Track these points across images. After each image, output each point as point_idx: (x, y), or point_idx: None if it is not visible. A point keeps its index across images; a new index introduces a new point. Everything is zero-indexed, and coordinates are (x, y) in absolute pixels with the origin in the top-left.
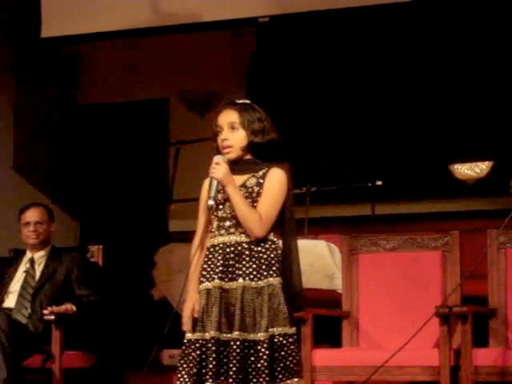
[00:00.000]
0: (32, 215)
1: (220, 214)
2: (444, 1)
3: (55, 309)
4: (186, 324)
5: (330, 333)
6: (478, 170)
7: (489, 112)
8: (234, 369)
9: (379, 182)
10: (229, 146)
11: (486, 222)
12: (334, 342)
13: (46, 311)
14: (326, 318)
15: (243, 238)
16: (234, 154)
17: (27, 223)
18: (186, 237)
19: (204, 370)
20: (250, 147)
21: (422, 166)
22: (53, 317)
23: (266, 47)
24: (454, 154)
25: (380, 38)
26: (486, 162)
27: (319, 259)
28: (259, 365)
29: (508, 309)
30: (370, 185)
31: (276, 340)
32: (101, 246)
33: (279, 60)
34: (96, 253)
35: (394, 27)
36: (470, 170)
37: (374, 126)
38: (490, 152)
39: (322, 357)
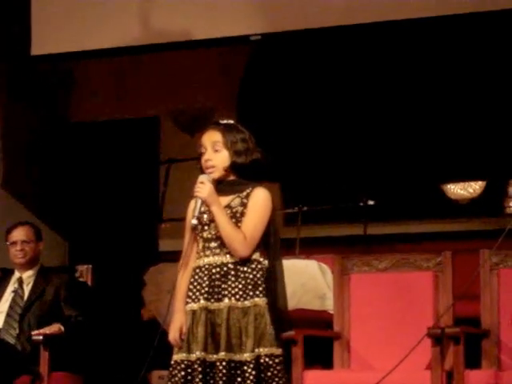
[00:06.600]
0: (18, 234)
1: (205, 234)
2: (433, 23)
3: (47, 330)
4: (178, 346)
5: (321, 354)
6: (470, 190)
7: (482, 132)
8: None
9: (371, 202)
10: (212, 167)
11: (478, 243)
12: (326, 363)
13: (36, 332)
14: (317, 338)
15: (229, 259)
16: (216, 173)
17: (14, 242)
18: (176, 256)
19: None
20: (233, 168)
21: (414, 186)
22: (41, 337)
23: (257, 65)
24: (447, 174)
25: (373, 57)
26: (479, 182)
27: (310, 279)
28: None
29: (501, 330)
30: (362, 205)
31: (262, 360)
32: (90, 266)
33: (270, 78)
34: (85, 272)
35: (388, 46)
36: (462, 190)
37: (367, 146)
38: (483, 172)
39: (313, 378)
